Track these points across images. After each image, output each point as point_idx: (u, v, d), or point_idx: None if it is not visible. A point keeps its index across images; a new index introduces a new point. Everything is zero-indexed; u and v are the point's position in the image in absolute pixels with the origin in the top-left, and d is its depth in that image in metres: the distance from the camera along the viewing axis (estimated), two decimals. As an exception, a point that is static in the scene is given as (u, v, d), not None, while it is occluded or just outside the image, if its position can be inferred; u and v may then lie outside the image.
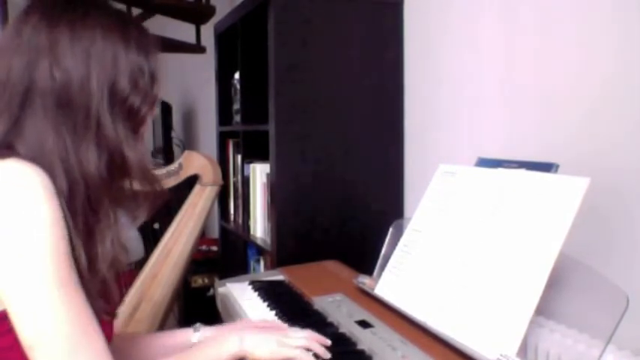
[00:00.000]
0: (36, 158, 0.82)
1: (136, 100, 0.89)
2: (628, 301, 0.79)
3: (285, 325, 1.12)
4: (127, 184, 0.95)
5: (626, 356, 0.86)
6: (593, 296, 0.89)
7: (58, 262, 0.78)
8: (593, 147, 1.17)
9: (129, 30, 0.89)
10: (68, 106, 0.84)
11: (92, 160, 0.85)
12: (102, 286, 0.89)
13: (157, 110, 0.98)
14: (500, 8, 1.44)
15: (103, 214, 0.89)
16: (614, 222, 1.13)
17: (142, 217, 0.99)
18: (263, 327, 1.07)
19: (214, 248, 2.89)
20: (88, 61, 0.85)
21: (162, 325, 1.80)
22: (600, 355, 0.81)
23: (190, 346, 1.08)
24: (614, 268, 0.91)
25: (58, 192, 0.81)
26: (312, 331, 1.03)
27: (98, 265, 0.88)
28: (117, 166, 0.89)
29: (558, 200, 0.95)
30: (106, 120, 0.86)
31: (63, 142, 0.84)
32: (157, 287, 1.78)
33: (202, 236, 2.14)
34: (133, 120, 0.90)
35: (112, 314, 0.96)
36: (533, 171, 1.03)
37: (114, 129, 0.87)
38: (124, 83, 0.87)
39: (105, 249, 0.88)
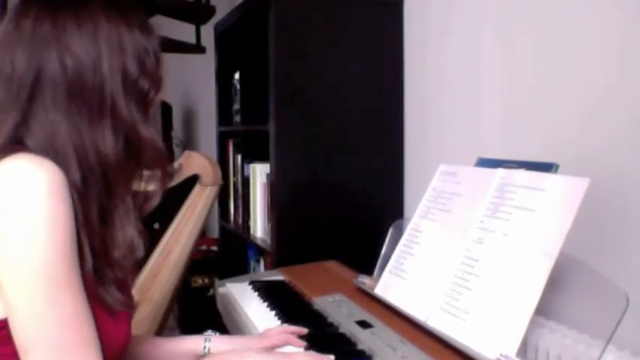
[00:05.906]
0: (47, 151, 0.80)
1: (145, 84, 0.89)
2: (628, 301, 0.79)
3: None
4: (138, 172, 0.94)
5: (626, 356, 0.86)
6: (593, 296, 0.88)
7: (55, 265, 0.76)
8: (593, 147, 1.17)
9: (128, 12, 0.89)
10: (81, 92, 0.84)
11: (110, 144, 0.85)
12: (121, 276, 0.88)
13: (158, 109, 0.98)
14: (500, 8, 1.44)
15: (120, 200, 0.88)
16: (614, 222, 1.13)
17: (149, 209, 0.98)
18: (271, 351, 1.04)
19: (214, 248, 2.89)
20: (97, 45, 0.84)
21: (162, 326, 1.79)
22: (600, 356, 0.81)
23: (197, 357, 1.06)
24: (614, 268, 0.91)
25: (71, 185, 0.79)
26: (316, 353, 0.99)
27: (116, 253, 0.87)
28: (133, 148, 0.88)
29: (558, 200, 0.95)
30: (121, 103, 0.86)
31: (77, 130, 0.83)
32: (156, 288, 1.77)
33: (202, 236, 2.13)
34: (143, 103, 0.90)
35: (131, 306, 0.94)
36: (533, 171, 1.03)
37: (128, 111, 0.87)
38: (133, 66, 0.87)
39: (125, 235, 0.88)
